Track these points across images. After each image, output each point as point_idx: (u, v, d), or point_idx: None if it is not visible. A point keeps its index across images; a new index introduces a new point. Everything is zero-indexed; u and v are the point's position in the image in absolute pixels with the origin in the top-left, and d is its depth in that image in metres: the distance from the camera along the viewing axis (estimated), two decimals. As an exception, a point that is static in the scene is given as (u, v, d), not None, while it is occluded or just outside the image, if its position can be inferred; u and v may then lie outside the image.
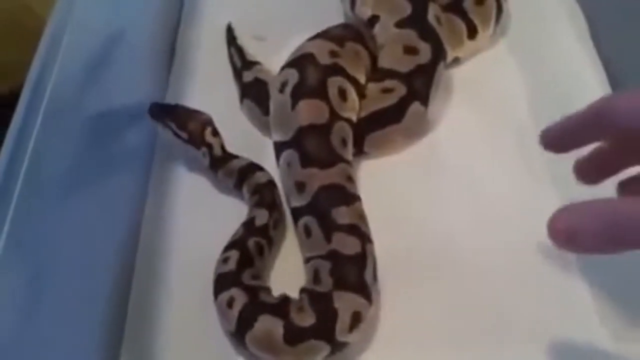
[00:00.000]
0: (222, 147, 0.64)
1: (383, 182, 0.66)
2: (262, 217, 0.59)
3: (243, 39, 0.77)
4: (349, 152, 0.63)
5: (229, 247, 0.58)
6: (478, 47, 0.76)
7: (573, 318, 0.57)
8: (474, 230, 0.62)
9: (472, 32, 0.74)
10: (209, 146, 0.63)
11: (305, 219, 0.59)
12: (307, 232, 0.58)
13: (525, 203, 0.65)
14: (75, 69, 0.56)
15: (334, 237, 0.56)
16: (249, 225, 0.59)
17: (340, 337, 0.53)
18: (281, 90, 0.63)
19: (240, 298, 0.54)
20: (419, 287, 0.59)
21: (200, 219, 0.64)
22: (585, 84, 0.73)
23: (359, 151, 0.66)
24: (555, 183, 0.66)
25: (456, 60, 0.75)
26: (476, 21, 0.74)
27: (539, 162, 0.67)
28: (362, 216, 0.58)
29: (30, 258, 0.48)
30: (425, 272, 0.60)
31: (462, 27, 0.73)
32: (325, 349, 0.53)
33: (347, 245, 0.56)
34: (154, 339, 0.57)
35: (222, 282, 0.56)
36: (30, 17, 0.79)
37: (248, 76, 0.72)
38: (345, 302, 0.53)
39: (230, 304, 0.54)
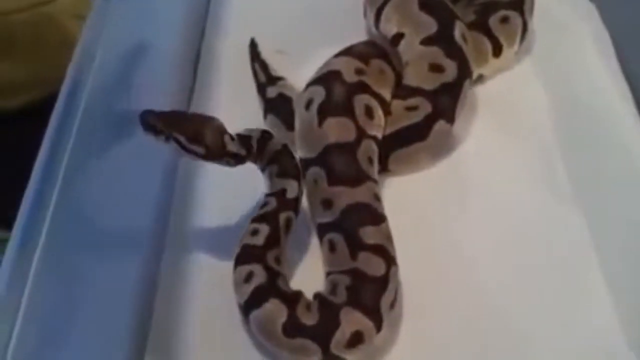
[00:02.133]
0: (242, 144, 0.58)
1: (407, 201, 0.66)
2: (292, 188, 0.59)
3: (266, 54, 0.77)
4: (375, 171, 0.63)
5: (260, 219, 0.58)
6: (503, 65, 0.76)
7: (600, 343, 0.57)
8: (499, 251, 0.62)
9: (497, 50, 0.74)
10: (234, 155, 0.58)
11: (330, 235, 0.58)
12: (332, 247, 0.58)
13: (550, 222, 0.64)
14: (107, 85, 0.57)
15: (360, 255, 0.56)
16: (281, 198, 0.58)
17: (335, 349, 0.53)
18: (307, 108, 0.63)
19: (259, 276, 0.55)
20: (440, 312, 0.58)
21: (225, 220, 0.64)
22: (610, 101, 0.73)
23: (384, 169, 0.66)
24: (581, 201, 0.65)
25: (481, 78, 0.75)
26: (501, 39, 0.73)
27: (564, 179, 0.67)
28: (389, 237, 0.58)
29: (62, 266, 0.48)
30: (448, 295, 0.59)
31: (488, 44, 0.73)
32: (317, 354, 0.53)
33: (372, 265, 0.56)
34: (180, 336, 0.58)
35: (246, 254, 0.56)
36: (54, 29, 0.79)
37: (272, 92, 0.71)
38: (351, 319, 0.53)
39: (248, 278, 0.55)
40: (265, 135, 0.60)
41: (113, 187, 0.57)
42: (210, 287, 0.60)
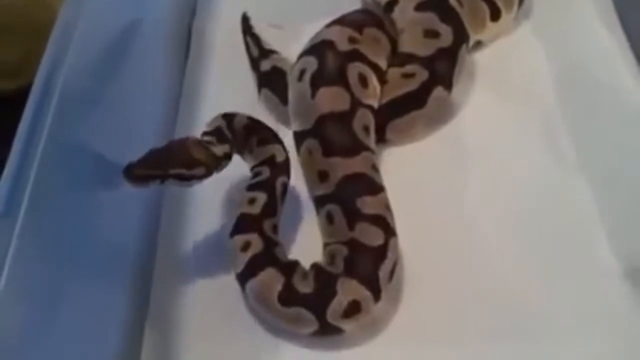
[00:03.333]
0: (220, 141, 0.57)
1: (406, 170, 0.64)
2: (280, 152, 0.58)
3: (259, 28, 0.75)
4: (372, 140, 0.62)
5: (255, 187, 0.57)
6: (502, 30, 0.74)
7: (606, 311, 0.56)
8: (500, 221, 0.61)
9: (495, 15, 0.72)
10: (225, 156, 0.57)
11: (328, 207, 0.58)
12: (330, 219, 0.57)
13: (552, 189, 0.63)
14: (87, 63, 0.55)
15: (357, 226, 0.55)
16: (272, 164, 0.57)
17: (331, 319, 0.52)
18: (300, 79, 0.62)
19: (256, 245, 0.54)
20: (441, 284, 0.57)
21: (220, 208, 0.63)
22: (612, 65, 0.71)
23: (381, 139, 0.65)
24: (583, 167, 0.64)
25: (479, 44, 0.73)
26: (499, 3, 0.72)
27: (566, 146, 0.66)
28: (387, 207, 0.57)
29: (49, 247, 0.47)
30: (449, 267, 0.58)
31: (485, 9, 0.71)
32: (313, 324, 0.53)
33: (370, 235, 0.55)
34: (178, 314, 0.57)
35: (243, 223, 0.55)
36: (43, 9, 0.78)
37: (265, 65, 0.70)
38: (348, 288, 0.53)
39: (245, 247, 0.54)
40: (228, 118, 0.59)
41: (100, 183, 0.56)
42: (205, 289, 0.59)
